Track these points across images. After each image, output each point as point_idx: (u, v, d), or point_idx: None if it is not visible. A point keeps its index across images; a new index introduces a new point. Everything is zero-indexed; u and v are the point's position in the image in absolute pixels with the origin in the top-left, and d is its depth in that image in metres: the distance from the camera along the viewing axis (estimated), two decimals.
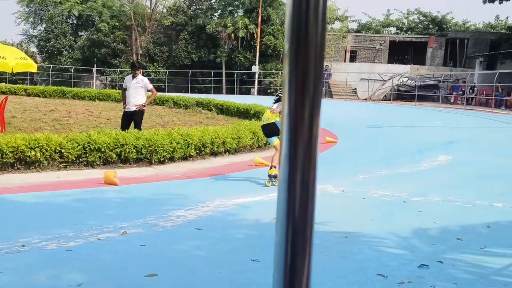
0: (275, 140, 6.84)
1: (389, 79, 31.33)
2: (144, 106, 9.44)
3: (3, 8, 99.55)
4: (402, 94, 30.10)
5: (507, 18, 41.71)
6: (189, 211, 5.03)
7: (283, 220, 0.71)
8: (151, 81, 28.66)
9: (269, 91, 35.54)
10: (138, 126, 9.36)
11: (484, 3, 30.40)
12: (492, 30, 39.61)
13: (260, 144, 10.60)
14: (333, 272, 3.44)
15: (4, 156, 6.67)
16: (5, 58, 10.67)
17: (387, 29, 42.70)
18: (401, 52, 37.41)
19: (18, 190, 5.76)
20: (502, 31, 37.52)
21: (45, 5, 45.51)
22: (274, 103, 6.96)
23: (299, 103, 0.70)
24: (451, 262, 3.74)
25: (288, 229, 0.71)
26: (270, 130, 6.85)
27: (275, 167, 6.67)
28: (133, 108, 9.42)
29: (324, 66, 36.35)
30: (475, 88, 27.04)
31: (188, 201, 5.50)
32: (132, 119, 9.57)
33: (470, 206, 5.68)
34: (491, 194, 6.30)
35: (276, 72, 36.09)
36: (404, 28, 41.88)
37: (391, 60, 35.95)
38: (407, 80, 31.40)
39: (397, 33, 41.00)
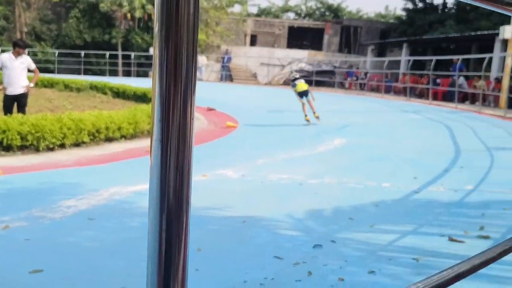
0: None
1: (288, 64, 32.26)
2: (30, 87, 8.84)
3: None
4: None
5: (395, 8, 44.81)
6: (81, 200, 4.80)
7: (156, 208, 0.68)
8: (38, 61, 26.82)
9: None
10: (23, 109, 8.72)
11: None
12: (382, 20, 42.34)
13: None
14: (233, 258, 3.49)
15: None
16: None
17: (286, 14, 43.83)
18: (299, 37, 38.65)
19: None
20: (391, 21, 40.24)
21: None
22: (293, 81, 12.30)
23: (172, 87, 0.68)
24: (343, 241, 3.97)
25: (162, 217, 0.68)
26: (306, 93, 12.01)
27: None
28: (21, 91, 8.75)
29: (225, 50, 36.48)
30: (368, 74, 28.81)
31: (80, 190, 5.25)
32: (17, 102, 8.89)
33: (361, 187, 6.06)
34: (380, 175, 6.78)
35: None
36: (302, 15, 43.28)
37: (290, 45, 37.01)
38: (305, 66, 32.57)
39: (296, 19, 42.27)
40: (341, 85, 29.48)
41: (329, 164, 7.62)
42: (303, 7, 43.29)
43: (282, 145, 9.23)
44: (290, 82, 13.04)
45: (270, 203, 5.10)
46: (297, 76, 13.02)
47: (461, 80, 19.55)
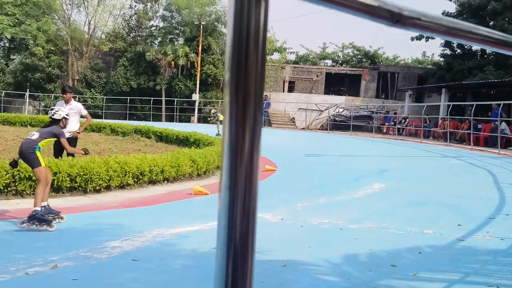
0: None
1: (325, 110, 32.34)
2: (78, 133, 9.04)
3: None
4: (338, 124, 31.11)
5: (432, 54, 44.60)
6: (125, 241, 4.85)
7: (223, 251, 0.69)
8: (88, 107, 27.85)
9: (209, 119, 35.57)
10: (72, 154, 8.94)
11: (412, 40, 32.38)
12: (419, 65, 42.16)
13: (199, 172, 10.50)
14: None
15: None
16: None
17: (323, 61, 44.33)
18: (336, 83, 38.88)
19: None
20: (428, 67, 40.00)
21: None
22: None
23: (240, 133, 0.70)
24: None
25: (228, 260, 0.69)
26: None
27: None
28: (68, 135, 9.05)
29: (264, 96, 37.08)
30: (407, 119, 28.47)
31: (124, 231, 5.31)
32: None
33: (402, 233, 5.88)
34: (421, 221, 6.57)
35: (216, 100, 36.26)
36: (340, 61, 43.66)
37: (327, 91, 37.22)
38: (343, 111, 32.55)
39: (333, 65, 42.66)
40: (379, 130, 29.20)
41: (369, 209, 7.46)
42: (340, 54, 43.72)
43: (321, 189, 9.13)
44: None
45: (311, 248, 5.00)
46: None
47: (503, 125, 19.02)
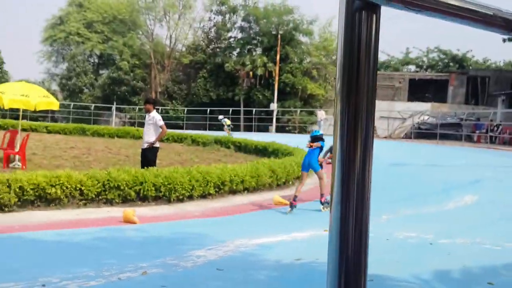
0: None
1: (409, 117, 31.23)
2: (153, 144, 9.22)
3: (27, 47, 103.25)
4: (423, 133, 29.89)
5: None
6: (209, 251, 4.98)
7: (335, 267, 0.69)
8: (169, 118, 28.96)
9: (287, 128, 35.70)
10: (150, 164, 9.20)
11: (504, 42, 30.46)
12: None
13: (279, 183, 10.54)
14: None
15: (25, 193, 6.75)
16: (28, 96, 10.97)
17: (406, 67, 42.92)
18: (421, 90, 37.42)
19: (38, 228, 5.80)
20: None
21: (67, 45, 47.03)
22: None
23: (351, 144, 0.69)
24: None
25: (340, 277, 0.69)
26: None
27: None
28: (144, 146, 9.36)
29: None
30: (501, 127, 26.74)
31: (208, 240, 5.45)
32: (143, 156, 9.52)
33: (499, 248, 5.51)
34: None
35: (294, 109, 36.32)
36: (424, 66, 42.04)
37: (411, 98, 35.94)
38: (428, 118, 31.25)
39: (417, 71, 41.16)
40: (469, 138, 27.66)
41: (461, 222, 7.07)
42: (425, 59, 42.12)
43: (407, 201, 8.80)
44: None
45: (399, 262, 4.83)
46: None
47: None
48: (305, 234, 5.99)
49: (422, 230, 6.29)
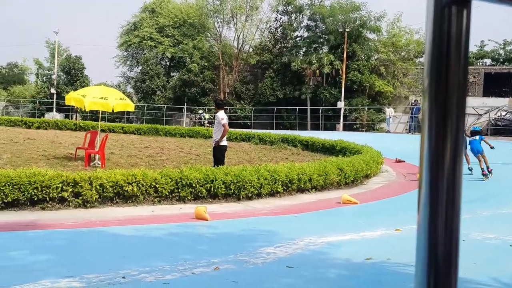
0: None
1: (485, 113, 29.64)
2: (218, 142, 9.46)
3: (104, 53, 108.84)
4: (500, 129, 28.24)
5: None
6: (278, 248, 5.00)
7: (424, 268, 0.67)
8: (237, 118, 29.40)
9: (355, 126, 35.05)
10: (218, 162, 9.43)
11: None
12: None
13: (347, 181, 10.38)
14: None
15: (105, 190, 7.11)
16: (107, 99, 11.54)
17: (481, 60, 40.74)
18: (497, 84, 35.36)
19: (117, 223, 6.10)
20: None
21: (141, 49, 49.01)
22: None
23: (440, 143, 0.67)
24: None
25: (429, 277, 0.66)
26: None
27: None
28: (213, 144, 9.72)
29: (414, 101, 35.20)
30: None
31: (277, 238, 5.48)
32: (213, 154, 9.85)
33: None
34: None
35: (362, 107, 35.59)
36: (501, 59, 39.70)
37: (486, 93, 34.07)
38: (506, 114, 29.49)
39: (493, 65, 38.94)
40: None
41: None
42: (501, 52, 39.75)
43: (484, 200, 8.36)
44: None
45: (477, 265, 4.59)
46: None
47: None
48: (375, 233, 5.86)
49: (502, 231, 5.95)
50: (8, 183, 6.50)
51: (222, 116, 9.58)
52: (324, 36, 39.76)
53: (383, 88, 35.99)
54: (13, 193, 6.50)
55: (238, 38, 45.57)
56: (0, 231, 5.50)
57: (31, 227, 5.68)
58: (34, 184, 6.60)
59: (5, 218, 6.11)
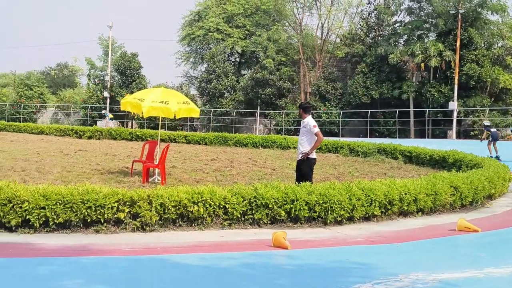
0: None
1: None
2: (308, 154, 9.47)
3: (163, 49, 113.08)
4: None
5: None
6: (377, 285, 4.90)
7: None
8: (322, 124, 29.47)
9: (472, 133, 33.70)
10: (305, 177, 9.42)
11: None
12: None
13: (464, 203, 9.99)
14: None
15: (166, 211, 7.34)
16: (168, 103, 11.94)
17: None
18: None
19: (181, 250, 6.27)
20: None
21: (206, 43, 50.40)
22: None
23: None
24: None
25: None
26: None
27: None
28: (299, 157, 9.67)
29: None
30: None
31: (375, 272, 5.38)
32: (298, 168, 9.83)
33: None
34: None
35: (481, 108, 34.15)
36: None
37: None
38: None
39: None
40: None
41: None
42: None
43: None
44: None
45: None
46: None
47: None
48: (503, 271, 5.58)
49: None
50: (60, 202, 6.90)
51: (313, 122, 9.60)
52: (430, 20, 38.78)
53: (509, 84, 34.37)
54: (65, 213, 6.89)
55: (322, 26, 45.67)
56: (52, 256, 5.84)
57: (85, 253, 5.98)
58: (87, 203, 6.96)
59: (56, 241, 6.49)
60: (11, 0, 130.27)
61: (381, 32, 43.06)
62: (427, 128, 35.80)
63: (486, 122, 24.92)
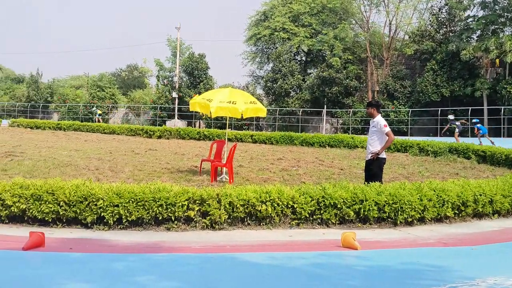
0: None
1: None
2: (378, 154, 9.36)
3: (229, 50, 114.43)
4: None
5: None
6: None
7: None
8: (390, 123, 29.04)
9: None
10: (374, 177, 9.32)
11: None
12: None
13: None
14: None
15: (235, 209, 7.43)
16: (235, 103, 12.06)
17: None
18: None
19: (250, 249, 6.33)
20: None
21: (272, 43, 50.59)
22: None
23: None
24: None
25: None
26: None
27: None
28: (368, 157, 9.56)
29: None
30: None
31: (449, 276, 5.24)
32: (367, 169, 9.72)
33: None
34: None
35: None
36: None
37: None
38: None
39: None
40: None
41: None
42: None
43: None
44: None
45: None
46: None
47: None
48: None
49: None
50: (132, 200, 7.12)
51: (383, 122, 9.50)
52: (506, 14, 37.22)
53: None
54: (137, 211, 7.11)
55: (390, 23, 44.81)
56: (126, 252, 6.03)
57: (157, 250, 6.15)
58: (158, 201, 7.15)
59: (130, 238, 6.71)
60: (82, 4, 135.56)
61: (452, 28, 41.79)
62: (502, 126, 34.46)
63: (451, 117, 30.06)
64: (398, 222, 8.02)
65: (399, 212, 8.02)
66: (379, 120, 9.50)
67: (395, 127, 38.11)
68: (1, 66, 71.06)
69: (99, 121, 44.26)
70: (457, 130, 27.63)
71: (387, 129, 9.33)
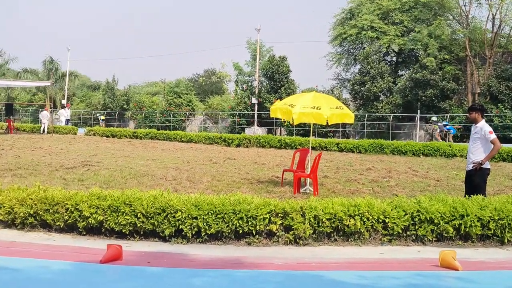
0: None
1: None
2: (481, 164, 9.02)
3: (312, 51, 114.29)
4: None
5: None
6: None
7: None
8: (495, 128, 28.01)
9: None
10: (477, 190, 9.00)
11: None
12: None
13: None
14: None
15: (320, 224, 7.39)
16: (320, 109, 12.00)
17: None
18: None
19: (337, 267, 6.27)
20: None
21: (359, 43, 50.07)
22: None
23: None
24: None
25: None
26: None
27: None
28: (470, 167, 9.26)
29: None
30: None
31: None
32: (468, 180, 9.41)
33: None
34: None
35: None
36: None
37: None
38: None
39: None
40: None
41: None
42: None
43: None
44: None
45: None
46: None
47: None
48: None
49: None
50: (211, 212, 7.25)
51: (488, 128, 9.21)
52: None
53: None
54: (217, 224, 7.22)
55: (493, 17, 43.15)
56: (205, 268, 6.14)
57: (238, 265, 6.21)
58: (239, 214, 7.23)
59: (209, 253, 6.83)
60: (157, 11, 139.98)
61: None
62: None
63: (434, 118, 36.24)
64: (506, 240, 7.70)
65: (507, 229, 7.71)
66: (483, 126, 9.20)
67: (500, 133, 36.57)
68: (78, 73, 74.51)
69: (102, 126, 52.06)
70: (438, 130, 30.55)
71: (493, 136, 9.02)
